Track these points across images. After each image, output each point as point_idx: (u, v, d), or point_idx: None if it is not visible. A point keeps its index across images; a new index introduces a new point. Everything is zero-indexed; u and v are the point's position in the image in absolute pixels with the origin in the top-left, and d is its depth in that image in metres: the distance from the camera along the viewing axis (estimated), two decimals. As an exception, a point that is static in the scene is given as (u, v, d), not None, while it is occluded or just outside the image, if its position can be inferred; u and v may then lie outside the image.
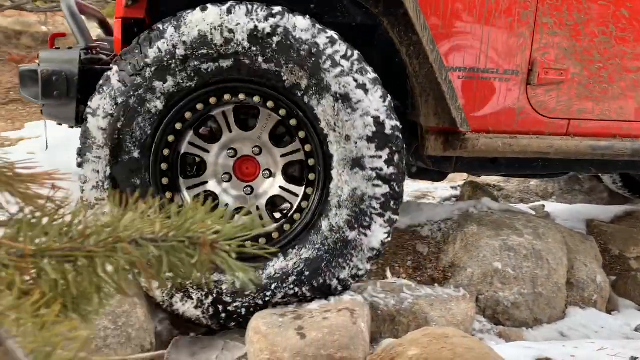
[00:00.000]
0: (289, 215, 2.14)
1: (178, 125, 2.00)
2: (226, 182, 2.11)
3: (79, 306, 0.58)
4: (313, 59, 1.89)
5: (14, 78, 4.89)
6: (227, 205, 2.13)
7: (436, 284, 2.46)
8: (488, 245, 2.59)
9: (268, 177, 2.13)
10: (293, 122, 2.02)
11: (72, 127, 2.38)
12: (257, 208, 2.15)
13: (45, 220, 0.64)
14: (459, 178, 4.02)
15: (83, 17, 2.53)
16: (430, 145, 2.26)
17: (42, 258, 0.55)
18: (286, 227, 2.12)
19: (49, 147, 3.07)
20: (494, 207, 2.89)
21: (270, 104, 2.01)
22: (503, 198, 3.83)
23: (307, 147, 2.05)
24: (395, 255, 2.60)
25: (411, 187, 3.76)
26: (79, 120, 2.12)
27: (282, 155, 2.11)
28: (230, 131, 2.09)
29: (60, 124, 2.40)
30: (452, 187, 3.84)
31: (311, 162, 2.06)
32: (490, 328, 2.45)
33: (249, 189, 2.13)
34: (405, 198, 3.43)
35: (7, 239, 0.56)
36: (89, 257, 0.58)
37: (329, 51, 1.90)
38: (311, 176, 2.07)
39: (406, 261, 2.58)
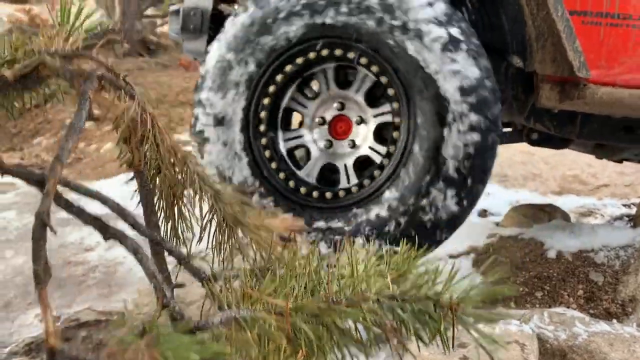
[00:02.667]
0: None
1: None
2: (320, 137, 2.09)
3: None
4: None
5: (184, 82, 5.38)
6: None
7: (614, 320, 2.19)
8: (679, 279, 2.25)
9: (360, 123, 2.06)
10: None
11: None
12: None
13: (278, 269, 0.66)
14: (632, 194, 3.57)
15: None
16: (544, 94, 2.02)
17: (297, 315, 0.56)
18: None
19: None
20: (686, 235, 2.51)
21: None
22: (688, 220, 3.32)
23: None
24: (564, 282, 2.38)
25: (576, 202, 3.43)
26: None
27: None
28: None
29: (196, 59, 2.56)
30: (624, 205, 3.42)
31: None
32: (681, 376, 2.13)
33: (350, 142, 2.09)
34: (571, 216, 3.13)
35: (267, 294, 0.58)
36: (339, 316, 0.57)
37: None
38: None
39: (577, 290, 2.35)
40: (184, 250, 0.67)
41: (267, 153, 2.04)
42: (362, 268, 0.63)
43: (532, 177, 3.72)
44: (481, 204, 3.63)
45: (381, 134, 2.10)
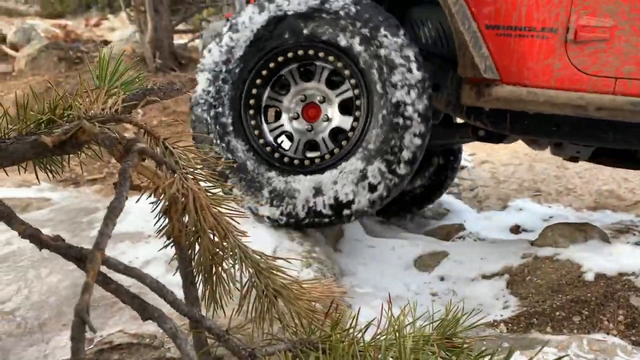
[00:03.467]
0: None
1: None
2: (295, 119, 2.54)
3: None
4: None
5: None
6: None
7: (658, 348, 2.10)
8: None
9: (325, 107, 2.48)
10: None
11: None
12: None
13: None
14: (673, 211, 3.43)
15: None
16: (465, 94, 2.41)
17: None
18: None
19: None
20: None
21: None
22: None
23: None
24: (603, 306, 2.29)
25: (612, 219, 3.32)
26: None
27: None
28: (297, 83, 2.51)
29: None
30: (664, 222, 3.29)
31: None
32: None
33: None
34: (607, 232, 3.02)
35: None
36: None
37: None
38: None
39: (617, 315, 2.26)
40: (222, 327, 0.65)
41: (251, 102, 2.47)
42: (410, 344, 0.60)
43: (567, 192, 3.61)
44: (514, 219, 3.55)
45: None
